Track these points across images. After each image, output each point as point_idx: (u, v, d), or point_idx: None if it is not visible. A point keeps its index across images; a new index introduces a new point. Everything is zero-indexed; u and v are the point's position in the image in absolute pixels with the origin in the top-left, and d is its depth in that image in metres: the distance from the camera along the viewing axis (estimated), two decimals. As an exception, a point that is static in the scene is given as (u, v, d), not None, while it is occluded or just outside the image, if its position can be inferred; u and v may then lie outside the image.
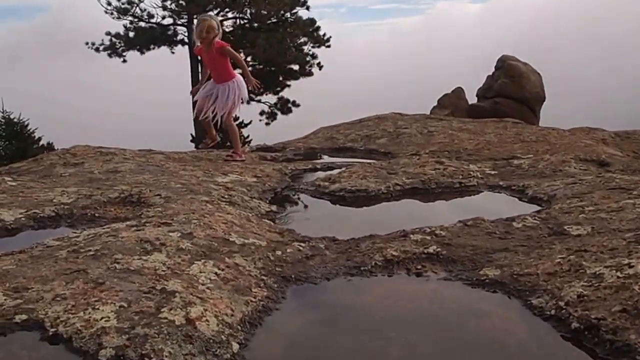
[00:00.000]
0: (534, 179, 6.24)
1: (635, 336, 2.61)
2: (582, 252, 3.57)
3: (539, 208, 5.17)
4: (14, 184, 6.20)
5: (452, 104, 24.88)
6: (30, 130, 22.98)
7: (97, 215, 5.04)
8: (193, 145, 29.92)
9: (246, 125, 33.69)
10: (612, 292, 2.95)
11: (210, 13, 8.59)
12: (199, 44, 8.67)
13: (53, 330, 2.72)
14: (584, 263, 3.36)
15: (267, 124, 33.86)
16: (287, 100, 33.78)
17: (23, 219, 4.82)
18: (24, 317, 2.83)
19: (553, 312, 2.99)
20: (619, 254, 3.41)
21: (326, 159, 9.09)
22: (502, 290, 3.34)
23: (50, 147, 22.17)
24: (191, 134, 32.18)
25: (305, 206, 5.96)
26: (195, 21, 9.16)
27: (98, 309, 2.84)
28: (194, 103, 9.25)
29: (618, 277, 3.06)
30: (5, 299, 2.99)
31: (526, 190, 5.85)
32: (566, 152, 7.84)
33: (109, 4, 31.10)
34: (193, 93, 9.20)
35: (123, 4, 31.29)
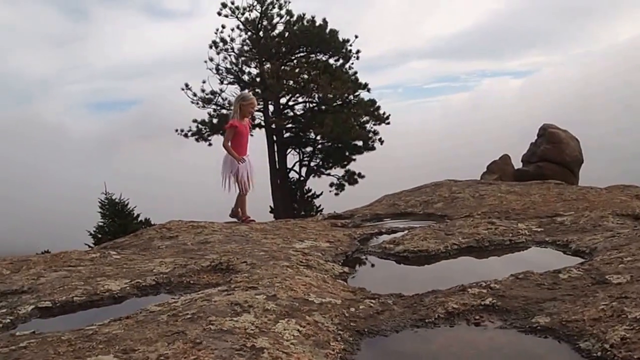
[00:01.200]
0: (576, 234, 6.15)
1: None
2: (623, 298, 3.53)
3: (582, 260, 5.10)
4: (118, 257, 6.34)
5: (499, 169, 24.64)
6: (130, 209, 23.39)
7: (192, 282, 5.10)
8: (272, 215, 30.24)
9: (318, 196, 33.87)
10: (652, 334, 2.91)
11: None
12: (244, 119, 9.32)
13: (160, 386, 2.77)
14: (625, 309, 3.32)
15: (336, 194, 33.94)
16: (353, 173, 33.88)
17: (128, 288, 4.93)
18: (134, 376, 2.90)
19: (599, 354, 2.96)
20: (657, 300, 3.37)
21: (390, 223, 9.08)
22: (553, 336, 3.31)
23: (147, 222, 22.52)
24: (270, 206, 32.45)
25: (373, 266, 5.98)
26: (244, 97, 9.61)
27: (197, 366, 2.89)
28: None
29: (657, 320, 3.02)
30: (115, 360, 3.06)
31: (570, 244, 5.78)
32: (604, 208, 7.71)
33: (195, 95, 31.90)
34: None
35: (207, 94, 32.04)
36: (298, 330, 3.48)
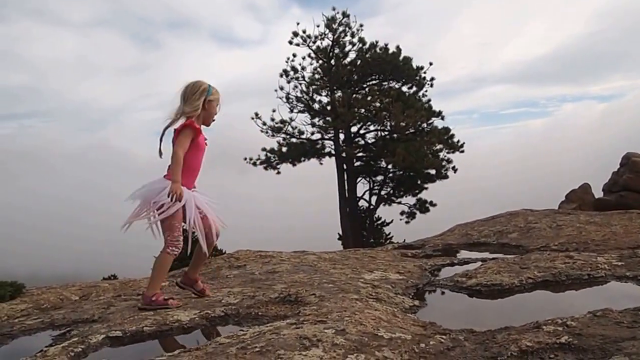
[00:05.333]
0: (659, 269, 5.97)
1: None
2: None
3: (665, 297, 4.95)
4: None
5: (579, 198, 24.17)
6: (196, 236, 23.76)
7: (260, 313, 5.16)
8: (341, 244, 30.30)
9: (388, 224, 33.79)
10: None
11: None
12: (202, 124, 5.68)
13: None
14: None
15: (407, 222, 33.80)
16: (425, 201, 33.72)
17: (197, 318, 5.01)
18: (205, 408, 2.95)
19: (681, 398, 2.86)
20: None
21: (463, 254, 8.99)
22: (632, 377, 3.22)
23: (217, 250, 22.82)
24: (338, 234, 32.54)
25: (445, 299, 5.92)
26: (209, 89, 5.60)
27: (267, 401, 2.91)
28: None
29: None
30: (186, 392, 3.12)
31: (652, 279, 5.62)
32: (691, 241, 7.48)
33: (264, 124, 32.33)
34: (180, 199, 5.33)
35: (277, 123, 32.46)
36: (367, 366, 3.47)
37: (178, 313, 5.10)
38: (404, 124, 30.90)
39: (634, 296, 5.22)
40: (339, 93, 32.30)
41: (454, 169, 32.94)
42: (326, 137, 33.26)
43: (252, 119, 32.40)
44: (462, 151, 32.90)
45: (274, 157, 32.92)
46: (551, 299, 5.63)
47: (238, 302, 5.44)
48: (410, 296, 5.84)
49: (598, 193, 25.10)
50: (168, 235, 5.39)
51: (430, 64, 32.81)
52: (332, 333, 4.01)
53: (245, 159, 33.34)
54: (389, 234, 33.29)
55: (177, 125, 5.48)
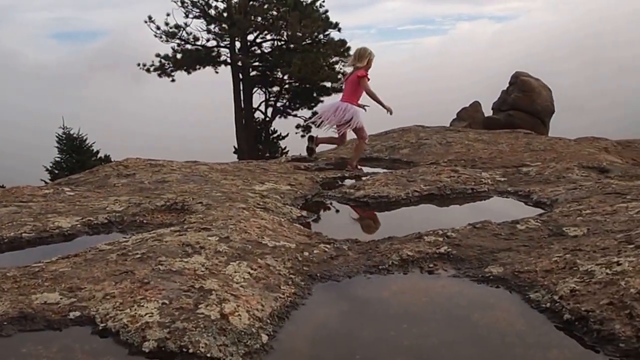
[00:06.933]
0: (539, 185, 6.24)
1: (619, 326, 2.66)
2: (577, 251, 3.60)
3: (542, 211, 5.19)
4: (72, 193, 6.31)
5: (469, 116, 24.81)
6: (89, 144, 23.16)
7: (145, 221, 5.12)
8: (236, 156, 30.22)
9: (284, 137, 33.86)
10: (601, 287, 2.99)
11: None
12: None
13: (103, 325, 2.82)
14: (578, 261, 3.39)
15: (302, 136, 33.92)
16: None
17: (79, 225, 4.92)
18: (77, 313, 2.94)
19: (548, 305, 3.04)
20: (609, 253, 3.45)
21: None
22: (504, 286, 3.38)
23: (107, 159, 22.36)
24: (234, 146, 32.40)
25: (334, 211, 6.02)
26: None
27: (143, 306, 2.93)
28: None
29: (607, 273, 3.09)
30: (61, 298, 3.10)
31: (531, 195, 5.87)
32: (571, 160, 7.82)
33: (158, 28, 31.35)
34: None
35: (171, 28, 31.55)
36: (249, 273, 3.52)
37: (59, 219, 5.00)
38: (300, 34, 30.64)
39: (513, 210, 5.45)
40: (236, -1, 31.62)
41: (350, 83, 33.01)
42: (222, 44, 32.61)
43: (146, 22, 31.38)
44: (359, 65, 32.94)
45: (168, 63, 32.08)
46: (435, 211, 5.82)
47: (123, 210, 5.37)
48: (299, 207, 5.91)
49: (488, 111, 25.85)
50: (362, 133, 9.25)
51: (328, -28, 32.42)
52: (215, 240, 4.03)
53: (139, 64, 32.38)
54: (285, 147, 33.39)
55: (353, 71, 9.21)
